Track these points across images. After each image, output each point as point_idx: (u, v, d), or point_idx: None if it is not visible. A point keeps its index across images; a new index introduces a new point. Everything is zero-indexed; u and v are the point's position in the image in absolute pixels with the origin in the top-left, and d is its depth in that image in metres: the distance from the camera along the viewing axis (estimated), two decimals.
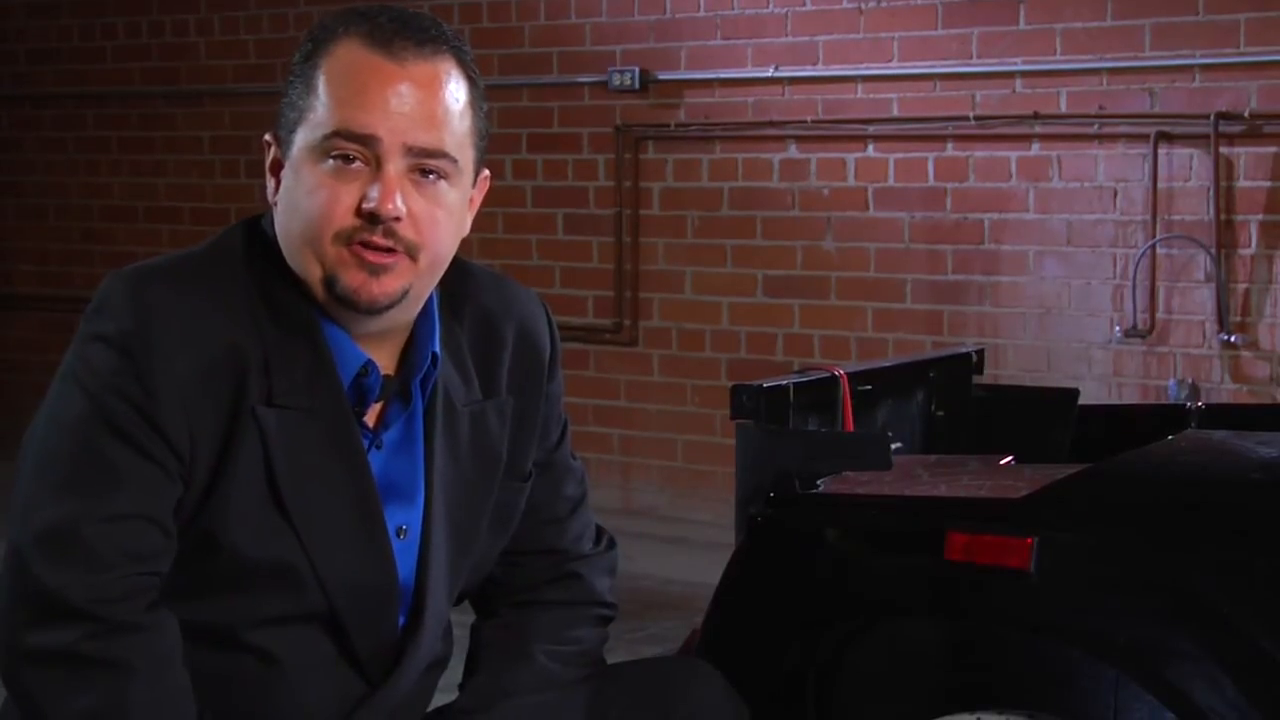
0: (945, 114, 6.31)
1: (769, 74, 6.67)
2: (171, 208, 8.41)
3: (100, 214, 8.68)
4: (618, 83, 6.94)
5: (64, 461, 1.86)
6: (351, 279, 1.91)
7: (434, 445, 2.04)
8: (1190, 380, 5.87)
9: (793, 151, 6.70)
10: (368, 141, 1.91)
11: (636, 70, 6.90)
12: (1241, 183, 5.84)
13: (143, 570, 1.84)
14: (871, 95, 6.48)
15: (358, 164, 1.91)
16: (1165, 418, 2.98)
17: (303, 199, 1.92)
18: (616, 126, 6.97)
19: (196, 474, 1.88)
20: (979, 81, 6.26)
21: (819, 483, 2.34)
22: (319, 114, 1.92)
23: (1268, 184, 5.80)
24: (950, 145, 6.35)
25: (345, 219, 1.91)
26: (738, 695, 2.11)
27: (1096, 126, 6.04)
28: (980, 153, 6.29)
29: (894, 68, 6.43)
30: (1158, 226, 5.92)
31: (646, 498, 7.12)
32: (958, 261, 6.38)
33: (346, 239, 1.91)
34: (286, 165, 1.95)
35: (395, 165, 1.92)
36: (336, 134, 1.91)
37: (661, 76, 6.91)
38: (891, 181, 6.49)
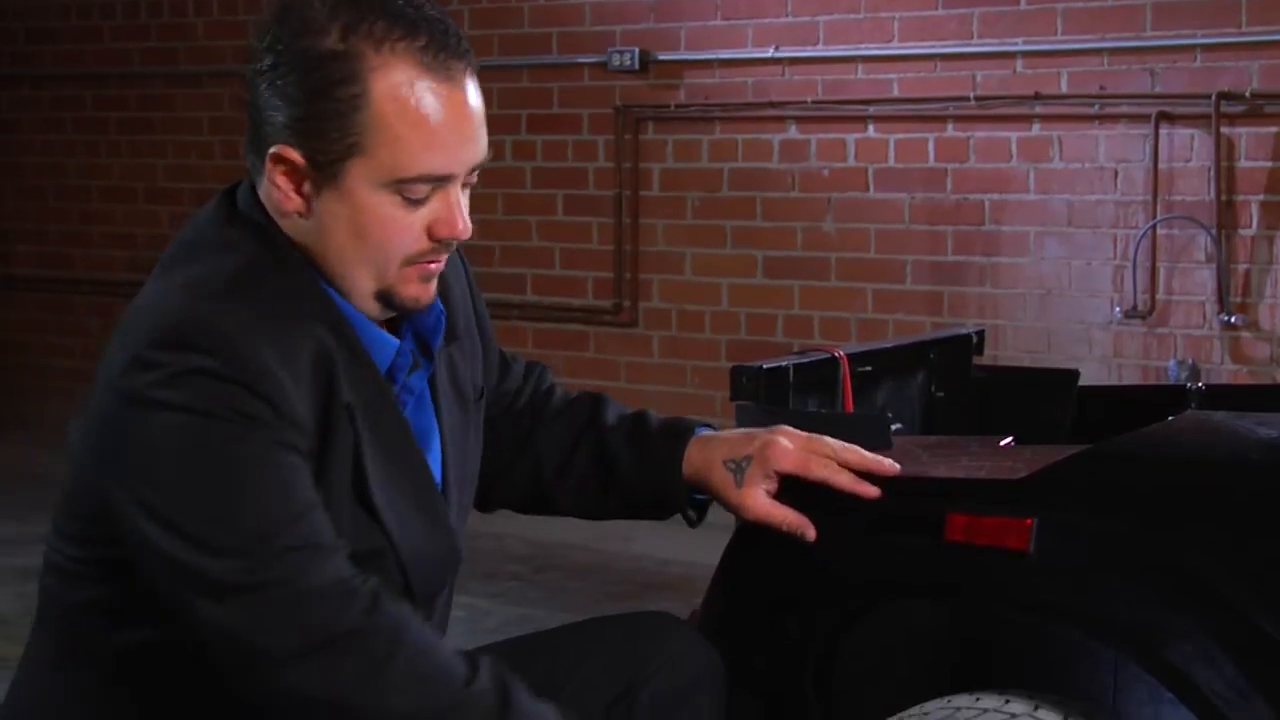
0: (946, 94, 6.30)
1: (769, 54, 6.66)
2: (171, 189, 8.41)
3: (99, 195, 8.67)
4: (617, 63, 6.93)
5: (236, 486, 1.80)
6: (410, 291, 1.96)
7: (439, 397, 2.09)
8: (1190, 361, 5.87)
9: (793, 132, 6.69)
10: (444, 179, 1.93)
11: (636, 51, 6.89)
12: (1243, 163, 5.83)
13: (345, 545, 1.86)
14: (872, 76, 6.47)
15: (425, 195, 1.93)
16: (1165, 399, 2.98)
17: (368, 229, 1.92)
18: (616, 107, 6.97)
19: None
20: (979, 62, 6.25)
21: None
22: (388, 153, 1.89)
23: (1269, 164, 5.79)
24: (951, 126, 6.34)
25: (417, 244, 1.94)
26: (709, 644, 2.19)
27: (1097, 107, 6.03)
28: (981, 133, 6.29)
29: (894, 48, 6.42)
30: (1158, 207, 5.92)
31: None
32: (958, 242, 6.38)
33: (414, 261, 1.95)
34: (326, 188, 1.92)
35: (458, 186, 1.96)
36: (417, 180, 1.91)
37: (661, 57, 6.90)
38: (892, 162, 6.48)
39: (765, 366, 2.50)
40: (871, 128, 6.51)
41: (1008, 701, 2.18)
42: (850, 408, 2.70)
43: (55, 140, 8.78)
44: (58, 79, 8.70)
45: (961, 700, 2.19)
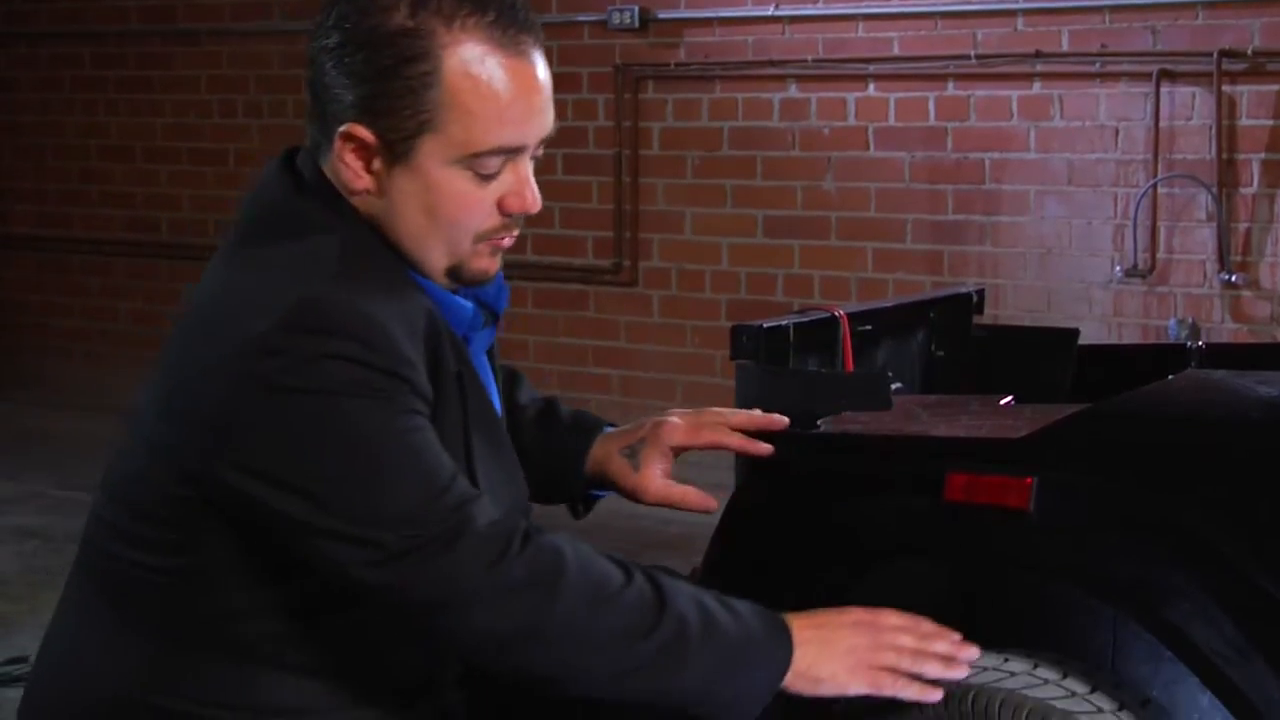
0: (946, 53, 6.28)
1: (769, 12, 6.63)
2: (169, 148, 8.39)
3: (98, 154, 8.65)
4: (617, 21, 6.91)
5: (390, 462, 1.84)
6: (481, 264, 1.98)
7: (494, 356, 2.15)
8: (1190, 320, 5.87)
9: (793, 91, 6.67)
10: (514, 151, 1.95)
11: (636, 9, 6.86)
12: (1244, 121, 5.81)
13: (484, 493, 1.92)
14: (872, 34, 6.45)
15: (497, 169, 1.95)
16: (1165, 357, 2.98)
17: (442, 205, 1.93)
18: (616, 66, 6.94)
19: None
20: (980, 20, 6.23)
21: (819, 423, 2.34)
22: (461, 129, 1.91)
23: (1270, 122, 5.77)
24: (951, 84, 6.32)
25: (489, 220, 1.96)
26: None
27: (1098, 65, 6.01)
28: (981, 92, 6.27)
29: (895, 6, 6.39)
30: (1159, 165, 5.91)
31: None
32: (958, 201, 6.37)
33: (486, 237, 1.97)
34: (397, 166, 1.92)
35: (528, 158, 1.98)
36: (491, 153, 1.93)
37: (661, 15, 6.87)
38: (892, 121, 6.46)
39: (765, 326, 2.50)
40: (872, 86, 6.49)
41: (1006, 660, 2.18)
42: (850, 367, 2.70)
43: (53, 99, 8.75)
44: (56, 37, 8.67)
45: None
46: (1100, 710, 2.08)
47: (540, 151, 2.00)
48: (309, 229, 1.93)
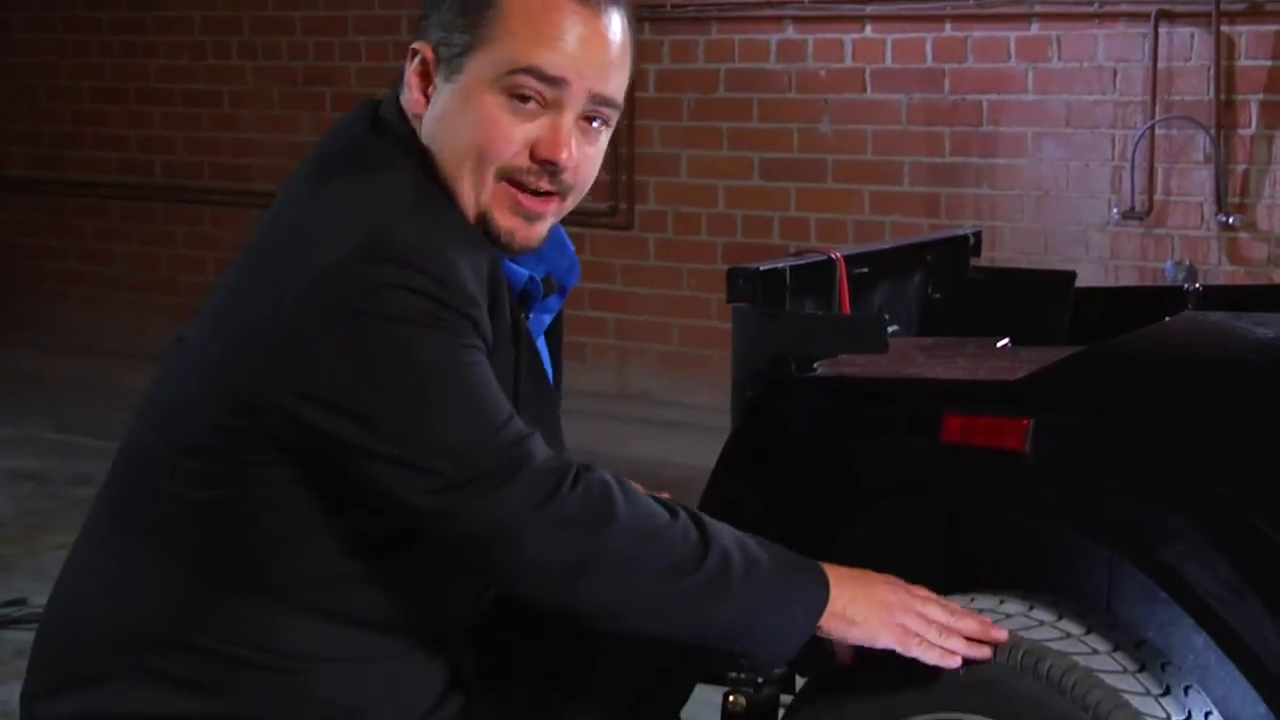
0: None
1: None
2: (163, 89, 8.35)
3: (91, 96, 8.61)
4: None
5: (461, 388, 1.88)
6: (506, 222, 1.97)
7: (558, 332, 2.20)
8: (1188, 262, 5.86)
9: (790, 32, 6.64)
10: (556, 84, 1.94)
11: None
12: (1242, 62, 5.79)
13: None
14: None
15: (533, 104, 1.94)
16: (1162, 300, 2.97)
17: (471, 129, 1.94)
18: None
19: None
20: None
21: (815, 366, 2.34)
22: (507, 46, 1.93)
23: (1269, 63, 5.75)
24: (949, 25, 6.29)
25: (516, 158, 1.95)
26: None
27: (1096, 5, 5.98)
28: (979, 33, 6.24)
29: None
30: (1157, 107, 5.89)
31: (642, 382, 7.13)
32: (955, 143, 6.35)
33: (509, 175, 1.95)
34: (447, 83, 1.96)
35: (574, 112, 1.96)
36: (527, 71, 1.93)
37: None
38: (889, 63, 6.43)
39: (762, 268, 2.49)
40: (869, 28, 6.46)
41: (1002, 602, 2.19)
42: (847, 310, 2.69)
43: (46, 40, 8.71)
44: None
45: (958, 600, 2.20)
46: (1095, 651, 2.09)
47: (599, 125, 2.00)
48: (383, 163, 1.96)
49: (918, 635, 2.01)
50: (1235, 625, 1.99)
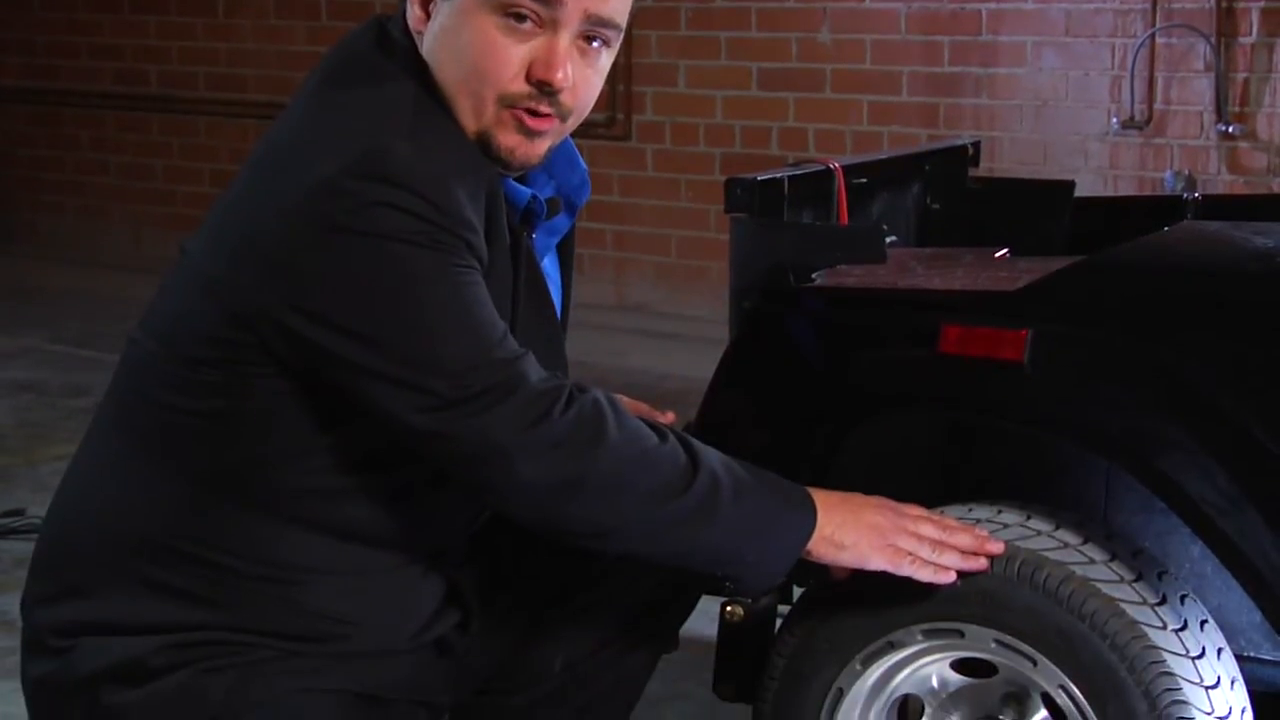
0: None
1: None
2: None
3: (85, 4, 8.55)
4: None
5: (453, 307, 1.87)
6: (508, 140, 1.95)
7: (568, 249, 2.20)
8: (1187, 171, 5.84)
9: None
10: (550, 3, 1.91)
11: None
12: None
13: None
14: None
15: (529, 24, 1.92)
16: (1161, 209, 2.97)
17: (469, 50, 1.92)
18: None
19: None
20: None
21: (814, 276, 2.34)
22: None
23: None
24: None
25: (514, 83, 1.93)
26: None
27: None
28: None
29: None
30: (1157, 15, 5.85)
31: (641, 293, 7.12)
32: (954, 53, 6.31)
33: (510, 102, 1.93)
34: (445, 2, 1.94)
35: (570, 32, 1.93)
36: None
37: None
38: None
39: (760, 179, 2.48)
40: None
41: (1000, 512, 2.20)
42: (845, 220, 2.69)
43: None
44: None
45: (955, 510, 2.21)
46: (1092, 561, 2.10)
47: (598, 46, 1.97)
48: (384, 79, 1.95)
49: (910, 554, 2.02)
50: (1232, 534, 2.00)
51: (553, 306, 2.12)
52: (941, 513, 2.16)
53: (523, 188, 2.03)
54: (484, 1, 1.91)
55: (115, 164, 8.57)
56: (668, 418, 2.34)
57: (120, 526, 1.99)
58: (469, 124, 1.95)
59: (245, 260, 1.89)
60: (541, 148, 1.98)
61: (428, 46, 1.96)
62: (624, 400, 2.37)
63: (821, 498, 2.02)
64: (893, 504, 2.06)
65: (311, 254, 1.84)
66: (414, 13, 1.97)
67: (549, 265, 2.13)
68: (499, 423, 1.86)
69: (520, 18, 1.91)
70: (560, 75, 1.92)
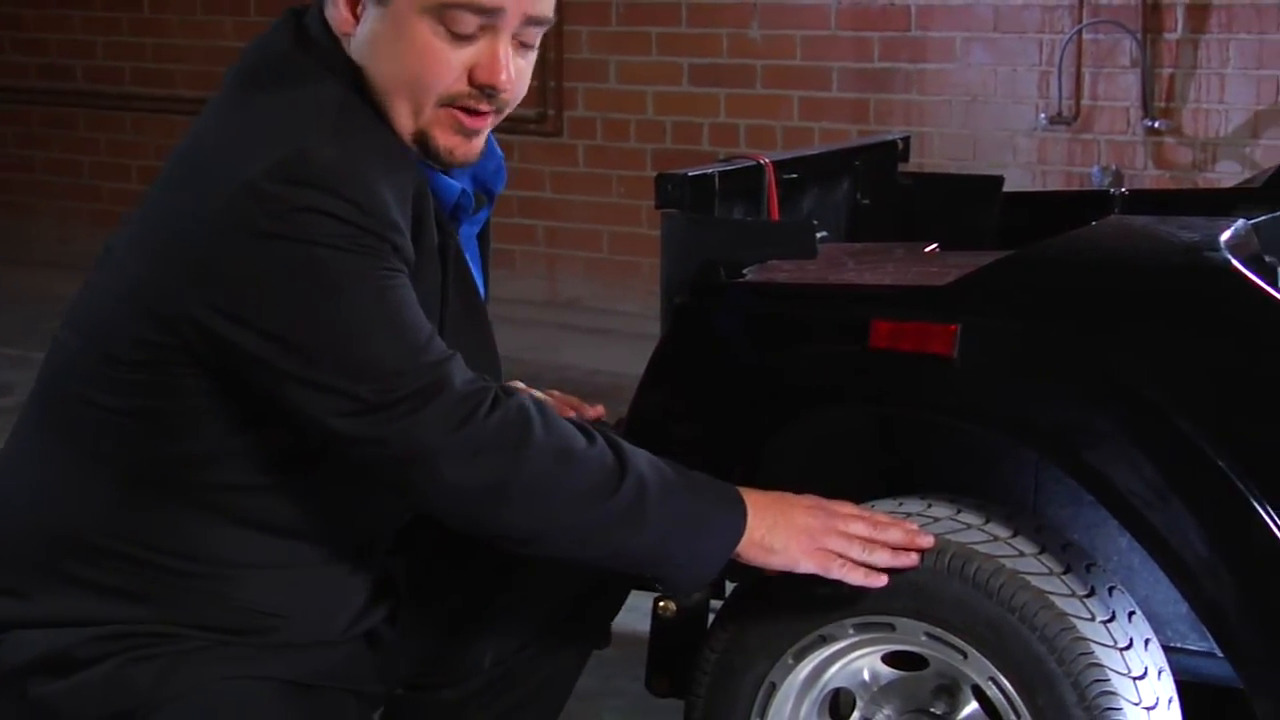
0: None
1: None
2: None
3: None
4: None
5: (378, 311, 1.86)
6: (446, 140, 1.95)
7: (486, 238, 2.18)
8: (1114, 166, 5.89)
9: None
10: (492, 14, 1.91)
11: None
12: None
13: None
14: None
15: (470, 30, 1.91)
16: (1089, 204, 2.98)
17: (407, 57, 1.91)
18: None
19: None
20: None
21: (744, 271, 2.34)
22: None
23: None
24: None
25: (455, 85, 1.93)
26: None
27: None
28: None
29: None
30: (1084, 11, 5.89)
31: (572, 289, 7.11)
32: (884, 48, 6.33)
33: (449, 101, 1.93)
34: (377, 6, 1.92)
35: (509, 33, 1.93)
36: (463, 7, 1.90)
37: None
38: None
39: (691, 174, 2.48)
40: None
41: (930, 505, 2.21)
42: (776, 215, 2.69)
43: None
44: None
45: (885, 505, 2.21)
46: (1021, 554, 2.11)
47: (533, 40, 1.97)
48: (308, 79, 1.92)
49: (840, 557, 2.03)
50: (1159, 526, 2.02)
51: (482, 304, 2.11)
52: (872, 507, 2.17)
53: (452, 182, 2.02)
54: (422, 9, 1.90)
55: (41, 160, 8.49)
56: (596, 411, 2.35)
57: (47, 525, 1.98)
58: (405, 124, 1.94)
59: (168, 263, 1.87)
60: (479, 145, 1.98)
61: (358, 50, 1.94)
62: (554, 394, 2.38)
63: (753, 499, 2.02)
64: (824, 504, 2.06)
65: (235, 259, 1.83)
66: (339, 14, 1.95)
67: (470, 256, 2.11)
68: (423, 427, 1.85)
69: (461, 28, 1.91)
70: (504, 78, 1.93)
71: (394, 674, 2.18)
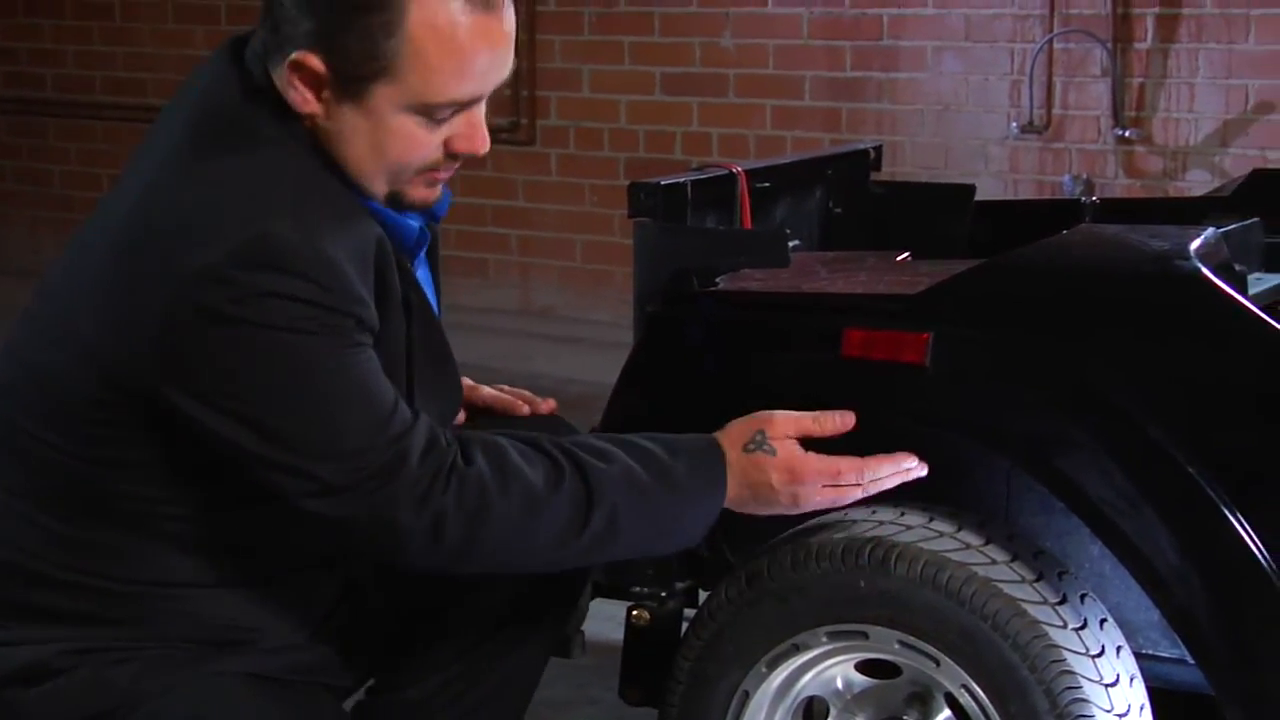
0: None
1: None
2: (53, 0, 8.17)
3: None
4: None
5: (334, 398, 1.86)
6: (419, 195, 1.97)
7: (435, 255, 2.19)
8: (1085, 175, 5.91)
9: None
10: (472, 100, 1.93)
11: None
12: None
13: (419, 413, 1.95)
14: None
15: (448, 114, 1.93)
16: (1060, 212, 2.99)
17: (388, 144, 1.91)
18: None
19: None
20: None
21: (717, 280, 2.34)
22: (419, 81, 1.88)
23: None
24: None
25: (434, 156, 1.94)
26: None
27: None
28: None
29: None
30: (1055, 21, 5.91)
31: (545, 298, 7.11)
32: (856, 58, 6.34)
33: (426, 169, 1.95)
34: (348, 102, 1.89)
35: (482, 106, 1.96)
36: (446, 105, 1.90)
37: None
38: None
39: (663, 183, 2.48)
40: None
41: (902, 514, 2.21)
42: (748, 224, 2.70)
43: None
44: None
45: (858, 513, 2.22)
46: (994, 562, 2.11)
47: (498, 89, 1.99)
48: (261, 139, 1.90)
49: (835, 489, 2.08)
50: (1130, 534, 2.02)
51: (445, 343, 2.11)
52: (845, 514, 2.17)
53: (409, 222, 2.02)
54: (402, 106, 1.89)
55: (11, 169, 8.45)
56: (549, 405, 2.36)
57: (2, 558, 1.97)
58: (378, 190, 1.95)
59: (128, 338, 1.85)
60: (442, 187, 2.02)
61: (327, 134, 1.92)
62: (504, 390, 2.38)
63: (733, 478, 2.06)
64: (793, 462, 2.08)
65: (200, 344, 1.82)
66: (299, 97, 1.90)
67: (421, 274, 2.11)
68: (386, 504, 1.87)
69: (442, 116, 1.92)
70: (481, 145, 1.96)
71: (362, 666, 2.21)
